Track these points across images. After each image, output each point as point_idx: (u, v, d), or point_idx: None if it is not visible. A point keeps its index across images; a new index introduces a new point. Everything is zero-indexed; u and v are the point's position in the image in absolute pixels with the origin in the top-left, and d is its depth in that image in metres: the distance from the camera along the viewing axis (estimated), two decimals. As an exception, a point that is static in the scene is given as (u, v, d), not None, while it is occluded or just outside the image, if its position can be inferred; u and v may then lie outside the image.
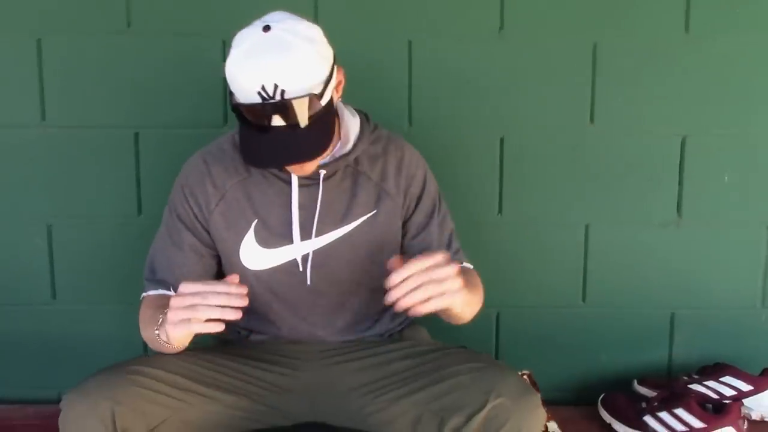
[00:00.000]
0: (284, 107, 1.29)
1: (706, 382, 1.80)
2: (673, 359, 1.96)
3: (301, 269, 1.49)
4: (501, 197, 1.89)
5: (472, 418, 1.28)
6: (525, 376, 1.77)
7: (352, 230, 1.50)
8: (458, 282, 1.25)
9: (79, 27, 1.81)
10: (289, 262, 1.49)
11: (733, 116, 1.87)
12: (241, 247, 1.49)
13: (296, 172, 1.45)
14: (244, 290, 1.26)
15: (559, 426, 1.71)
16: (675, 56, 1.84)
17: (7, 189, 1.87)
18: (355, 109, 1.54)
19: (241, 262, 1.50)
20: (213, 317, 1.24)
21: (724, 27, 1.84)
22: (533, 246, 1.91)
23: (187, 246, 1.50)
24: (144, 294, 1.52)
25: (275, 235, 1.49)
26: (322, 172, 1.47)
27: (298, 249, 1.49)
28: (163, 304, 1.34)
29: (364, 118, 1.54)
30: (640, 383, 1.89)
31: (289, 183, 1.48)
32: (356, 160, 1.51)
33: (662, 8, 1.83)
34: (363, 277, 1.52)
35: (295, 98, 1.29)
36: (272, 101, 1.28)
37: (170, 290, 1.48)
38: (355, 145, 1.49)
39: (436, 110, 1.86)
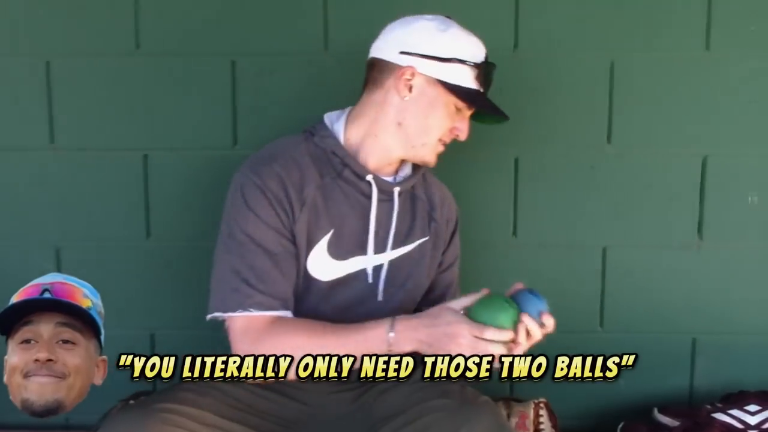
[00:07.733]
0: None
1: (730, 411, 1.75)
2: (695, 387, 1.90)
3: (371, 280, 1.47)
4: (515, 219, 1.86)
5: None
6: (542, 404, 1.72)
7: (410, 251, 1.50)
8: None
9: (88, 49, 1.81)
10: (357, 271, 1.46)
11: (755, 135, 1.83)
12: (310, 255, 1.44)
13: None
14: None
15: (578, 456, 1.67)
16: (695, 74, 1.81)
17: (15, 212, 1.86)
18: None
19: (308, 271, 1.44)
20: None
21: (744, 44, 1.80)
22: (549, 269, 1.87)
23: (290, 255, 1.41)
24: (242, 313, 1.36)
25: (347, 246, 1.45)
26: (397, 189, 1.47)
27: (370, 260, 1.46)
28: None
29: None
30: (661, 412, 1.82)
31: (363, 195, 1.46)
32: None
33: (682, 26, 1.79)
34: (400, 301, 1.50)
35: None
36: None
37: (282, 309, 1.39)
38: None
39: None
